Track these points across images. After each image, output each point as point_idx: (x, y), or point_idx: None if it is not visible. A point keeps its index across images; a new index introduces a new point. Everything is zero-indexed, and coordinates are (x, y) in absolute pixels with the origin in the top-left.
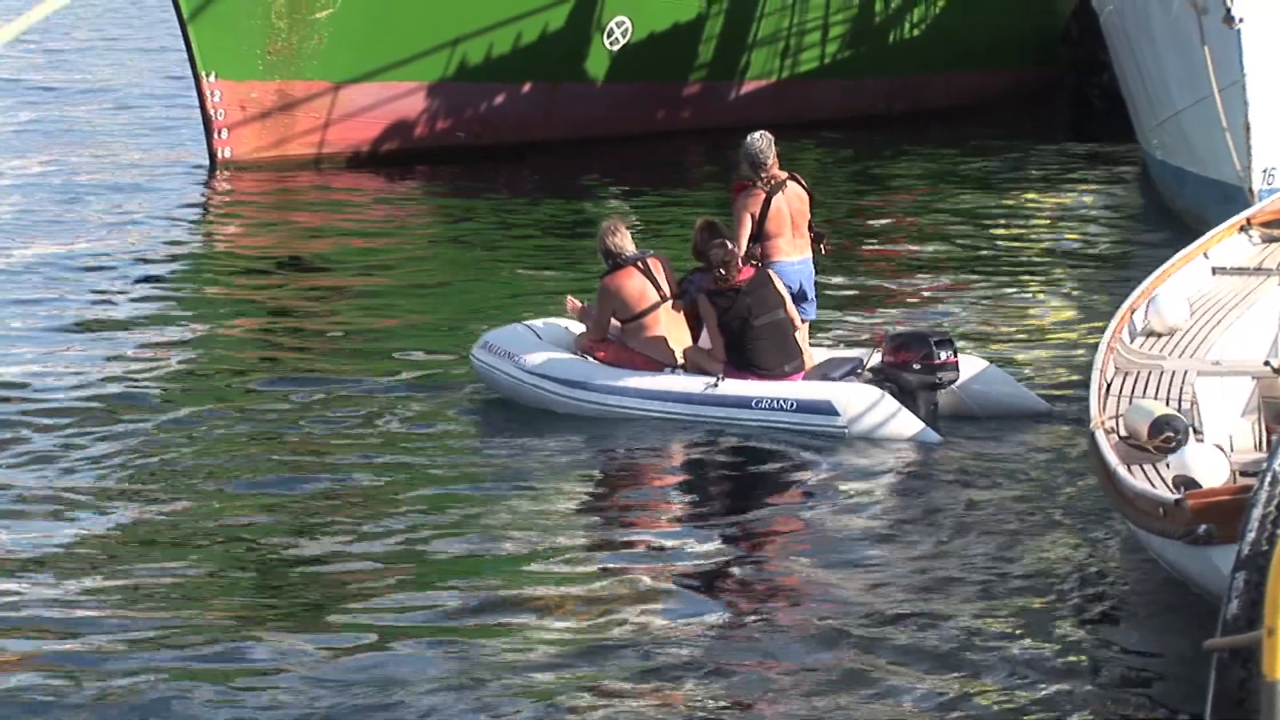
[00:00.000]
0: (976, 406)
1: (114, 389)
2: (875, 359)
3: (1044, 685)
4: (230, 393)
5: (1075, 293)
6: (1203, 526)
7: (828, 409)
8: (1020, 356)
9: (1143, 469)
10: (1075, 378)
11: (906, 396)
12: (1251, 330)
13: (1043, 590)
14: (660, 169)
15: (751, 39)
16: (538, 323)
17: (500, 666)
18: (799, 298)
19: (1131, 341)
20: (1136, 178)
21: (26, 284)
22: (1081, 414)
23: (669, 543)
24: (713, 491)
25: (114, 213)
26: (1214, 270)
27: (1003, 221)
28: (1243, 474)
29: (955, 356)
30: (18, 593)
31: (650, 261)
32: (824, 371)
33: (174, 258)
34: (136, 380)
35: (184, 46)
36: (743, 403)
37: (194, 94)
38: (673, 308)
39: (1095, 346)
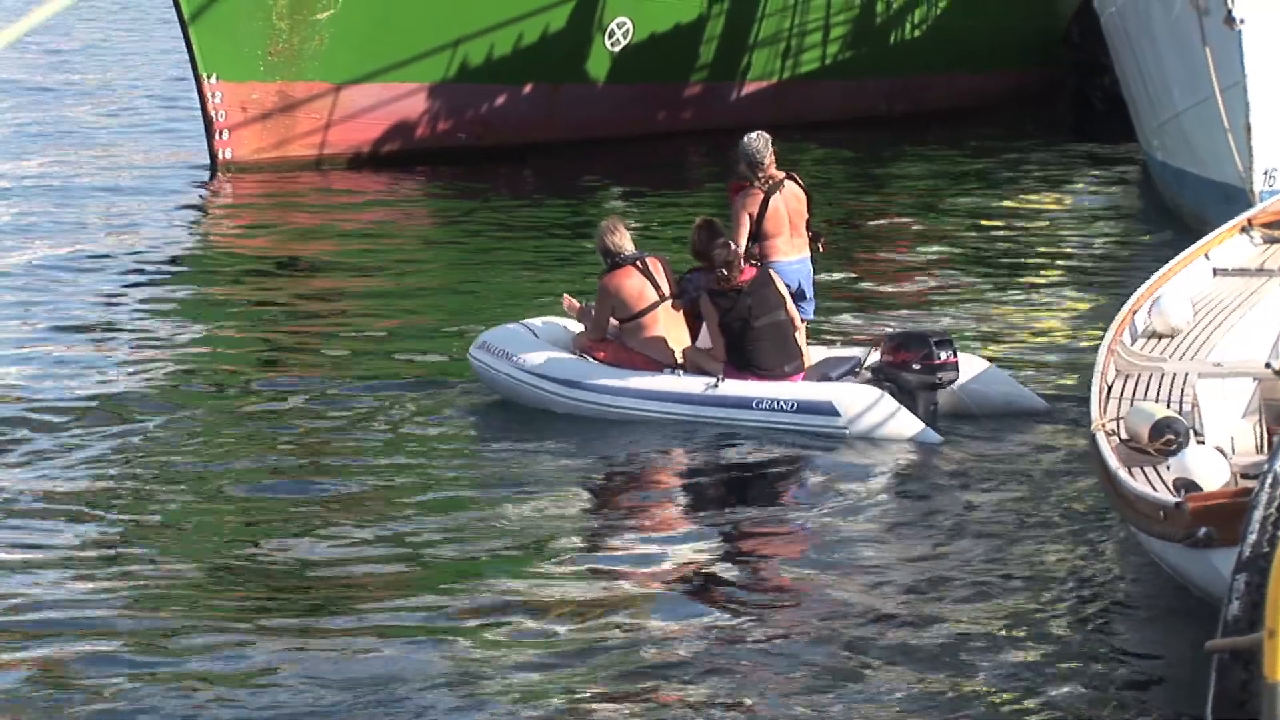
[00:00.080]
0: (976, 406)
1: (114, 389)
2: (873, 357)
3: (1044, 686)
4: (230, 393)
5: (1076, 293)
6: (1203, 529)
7: (828, 409)
8: (1020, 357)
9: (1143, 471)
10: (1075, 379)
11: (906, 396)
12: (1252, 332)
13: (1042, 591)
14: (661, 170)
15: (752, 40)
16: (536, 322)
17: (499, 666)
18: (798, 297)
19: (1133, 343)
20: (1138, 179)
21: (27, 284)
22: (1081, 415)
23: (668, 543)
24: (712, 492)
25: (114, 214)
26: (1215, 271)
27: (1003, 223)
28: (1243, 476)
29: (955, 356)
30: (18, 593)
31: (649, 261)
32: (822, 371)
33: (174, 259)
34: (136, 380)
35: (185, 48)
36: (743, 403)
37: (195, 95)
38: (672, 307)
39: (1096, 347)
